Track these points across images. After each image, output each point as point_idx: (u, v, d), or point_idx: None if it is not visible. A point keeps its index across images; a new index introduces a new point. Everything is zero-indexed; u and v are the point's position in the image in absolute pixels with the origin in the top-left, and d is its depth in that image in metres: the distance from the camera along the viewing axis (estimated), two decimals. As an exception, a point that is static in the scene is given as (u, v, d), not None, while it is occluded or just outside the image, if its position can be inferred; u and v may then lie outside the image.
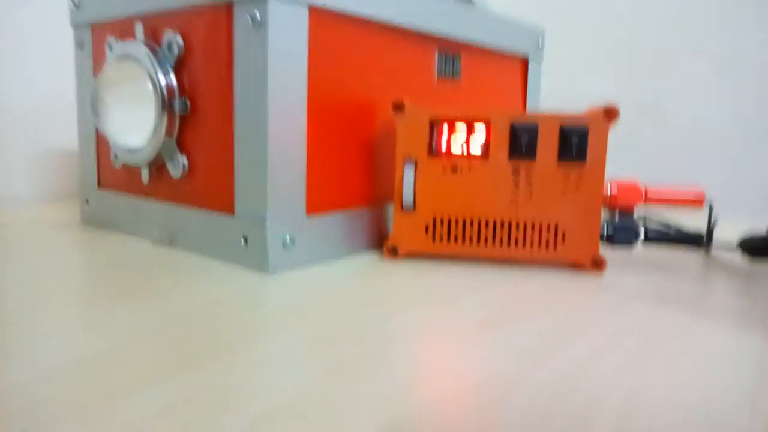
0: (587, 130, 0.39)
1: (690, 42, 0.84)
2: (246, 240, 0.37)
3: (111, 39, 0.44)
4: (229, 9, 0.36)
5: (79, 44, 0.49)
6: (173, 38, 0.39)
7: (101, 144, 0.48)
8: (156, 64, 0.39)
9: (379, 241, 0.44)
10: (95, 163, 0.49)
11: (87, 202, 0.50)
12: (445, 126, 0.40)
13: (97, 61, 0.47)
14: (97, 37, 0.47)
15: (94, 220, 0.49)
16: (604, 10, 0.90)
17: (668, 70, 0.86)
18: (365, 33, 0.41)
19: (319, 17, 0.37)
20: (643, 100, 0.88)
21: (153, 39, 0.41)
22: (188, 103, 0.39)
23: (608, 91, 0.91)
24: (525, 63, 0.60)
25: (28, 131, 0.62)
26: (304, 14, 0.36)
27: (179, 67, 0.40)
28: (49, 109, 0.63)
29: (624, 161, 0.86)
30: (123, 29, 0.44)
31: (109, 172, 0.47)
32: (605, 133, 0.39)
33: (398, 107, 0.40)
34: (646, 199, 0.40)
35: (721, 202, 0.81)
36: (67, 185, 0.66)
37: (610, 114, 0.38)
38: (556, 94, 0.78)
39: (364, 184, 0.43)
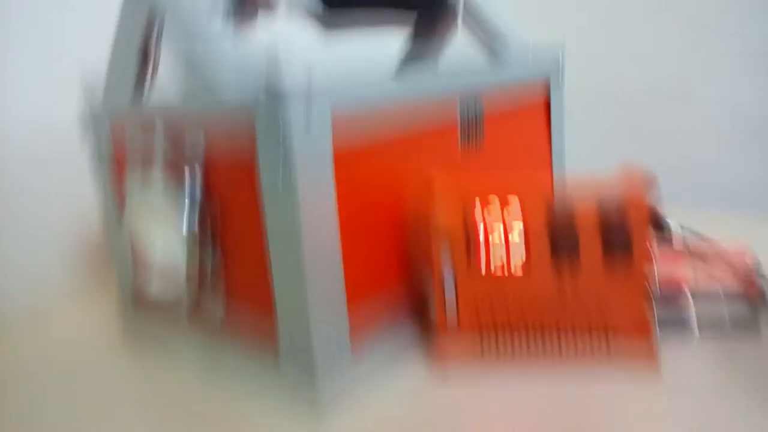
0: (627, 215, 0.37)
1: (721, 25, 0.80)
2: (295, 387, 0.36)
3: (132, 171, 0.42)
4: (252, 163, 0.35)
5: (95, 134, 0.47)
6: (196, 178, 0.38)
7: (136, 264, 0.47)
8: (185, 208, 0.38)
9: (420, 333, 0.43)
10: (131, 285, 0.48)
11: (125, 319, 0.50)
12: (482, 234, 0.39)
13: (118, 163, 0.46)
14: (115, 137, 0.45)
15: (133, 337, 0.49)
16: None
17: (697, 56, 0.82)
18: (387, 122, 0.40)
19: (341, 121, 0.35)
20: (671, 87, 0.85)
21: (174, 173, 0.40)
22: (219, 249, 0.39)
23: (634, 79, 0.87)
24: (546, 85, 0.58)
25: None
26: (328, 120, 0.34)
27: (203, 210, 0.39)
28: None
29: (653, 156, 0.84)
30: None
31: (146, 296, 0.47)
32: (646, 217, 0.37)
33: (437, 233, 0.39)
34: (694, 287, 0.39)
35: (757, 199, 0.78)
36: (95, 268, 0.66)
37: (647, 187, 0.37)
38: (579, 84, 0.74)
39: (400, 280, 0.42)
